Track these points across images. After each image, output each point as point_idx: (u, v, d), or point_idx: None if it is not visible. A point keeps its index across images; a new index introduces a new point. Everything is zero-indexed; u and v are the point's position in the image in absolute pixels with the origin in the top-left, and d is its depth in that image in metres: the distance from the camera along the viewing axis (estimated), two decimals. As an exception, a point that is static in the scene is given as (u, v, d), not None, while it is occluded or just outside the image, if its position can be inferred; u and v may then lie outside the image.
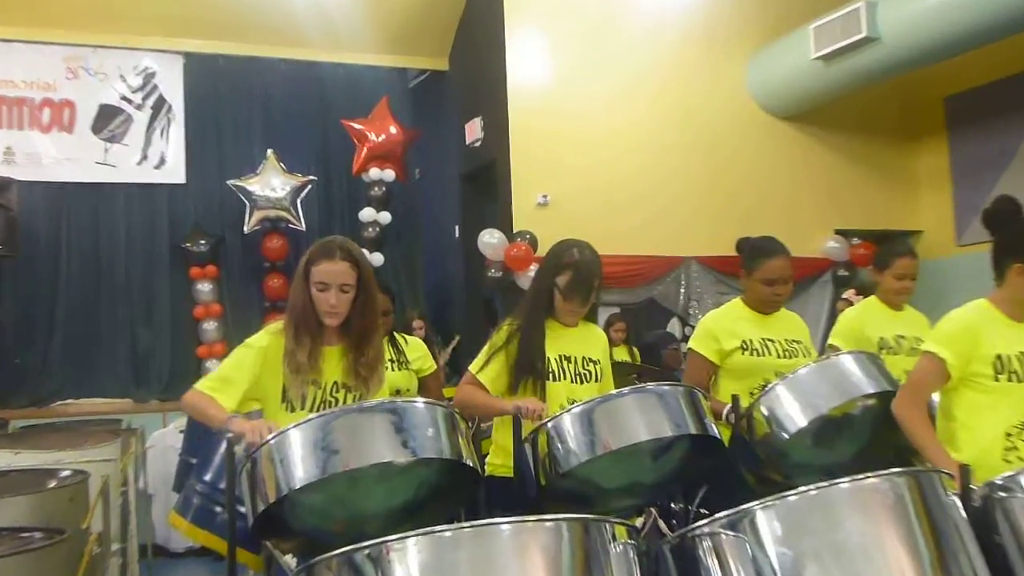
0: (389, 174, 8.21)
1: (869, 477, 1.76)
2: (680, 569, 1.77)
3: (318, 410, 2.61)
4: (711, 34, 8.45)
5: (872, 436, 2.92)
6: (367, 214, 8.13)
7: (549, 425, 2.58)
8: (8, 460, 3.75)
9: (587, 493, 2.63)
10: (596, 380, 3.01)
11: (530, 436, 2.62)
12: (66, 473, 3.39)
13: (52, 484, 3.28)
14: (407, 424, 2.31)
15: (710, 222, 8.12)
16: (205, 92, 8.20)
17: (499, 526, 1.59)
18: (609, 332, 6.20)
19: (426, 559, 1.55)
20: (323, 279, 2.62)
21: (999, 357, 2.61)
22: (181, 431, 5.49)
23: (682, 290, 8.18)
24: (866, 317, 3.78)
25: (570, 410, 2.58)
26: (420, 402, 2.43)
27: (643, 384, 2.88)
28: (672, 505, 2.88)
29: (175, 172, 8.05)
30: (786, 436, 2.82)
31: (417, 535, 1.56)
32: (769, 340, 3.23)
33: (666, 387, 2.71)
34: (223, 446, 2.57)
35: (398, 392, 3.90)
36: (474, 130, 8.43)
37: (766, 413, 2.88)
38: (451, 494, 2.48)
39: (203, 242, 7.93)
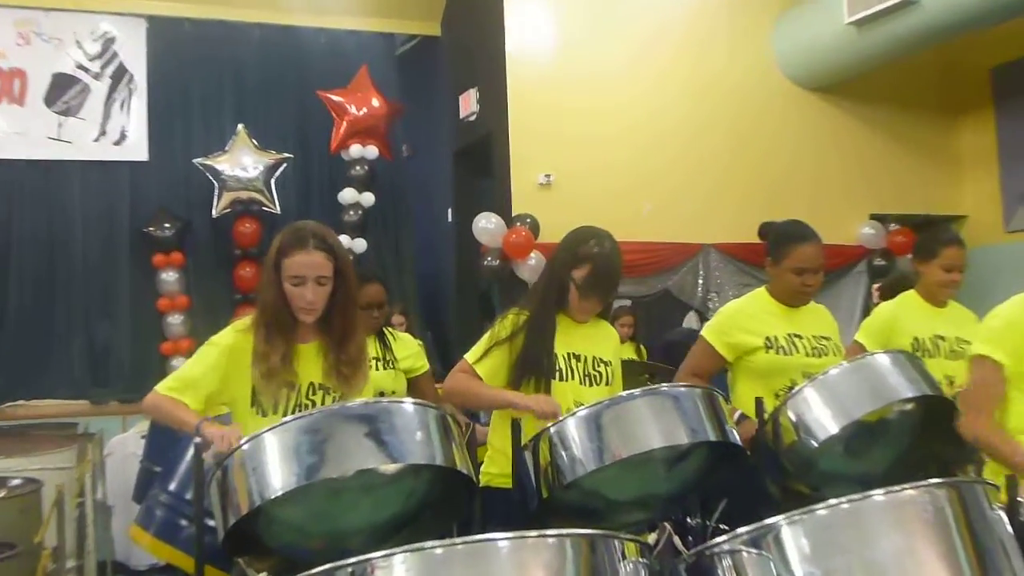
0: (372, 151, 8.21)
1: (906, 489, 1.76)
2: (697, 590, 1.77)
3: (294, 414, 2.60)
4: (732, -5, 8.45)
5: (910, 444, 2.92)
6: (348, 195, 8.14)
7: (552, 431, 2.58)
8: (-49, 468, 3.76)
9: (594, 506, 2.63)
10: (606, 383, 3.01)
11: (531, 443, 2.62)
12: (16, 482, 3.40)
13: (1, 494, 3.29)
14: (394, 427, 2.30)
15: (731, 205, 8.12)
16: (170, 60, 8.19)
17: (496, 543, 1.59)
18: (615, 327, 6.16)
19: (415, 579, 1.55)
20: (297, 272, 2.61)
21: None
22: (143, 436, 5.49)
23: (700, 281, 8.19)
24: (900, 313, 3.78)
25: (575, 414, 2.58)
26: (409, 403, 2.42)
27: (656, 385, 2.88)
28: (688, 520, 2.89)
29: (137, 149, 8.04)
30: (815, 444, 2.81)
31: (404, 552, 1.55)
32: (796, 336, 3.23)
33: (682, 388, 2.70)
34: (190, 452, 2.56)
35: (382, 395, 3.89)
36: (469, 102, 8.42)
37: (793, 418, 2.87)
38: (443, 506, 2.47)
39: (168, 226, 7.93)
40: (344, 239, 8.01)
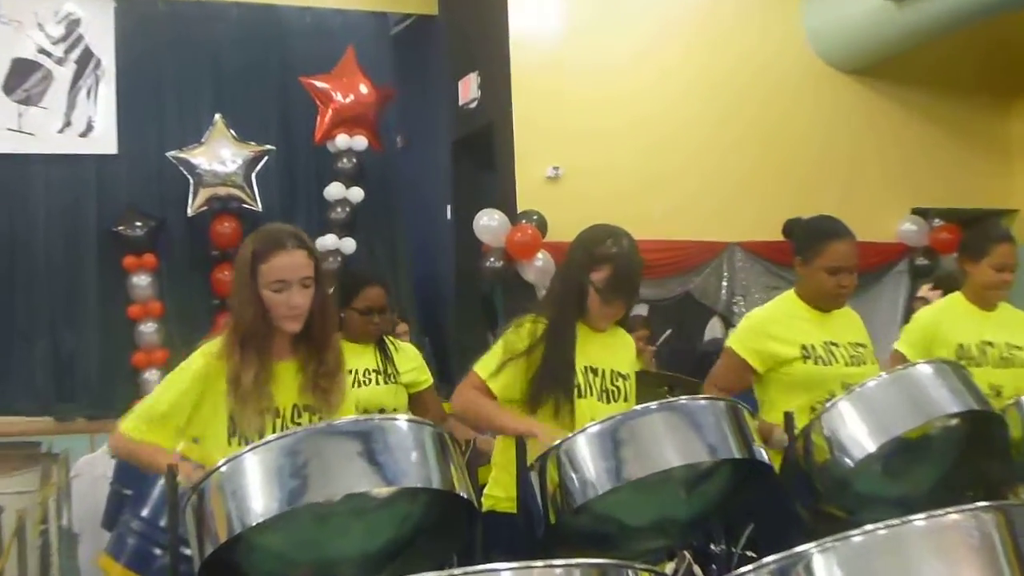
0: (360, 142, 8.21)
1: (950, 513, 1.75)
2: (719, 625, 1.78)
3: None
4: (759, -31, 8.46)
5: (954, 464, 2.92)
6: (334, 190, 8.15)
7: (560, 449, 2.58)
8: (-98, 492, 3.77)
9: (606, 532, 2.64)
10: (624, 399, 3.01)
11: (537, 462, 2.61)
12: (-27, 508, 3.40)
13: (-44, 521, 3.29)
14: (387, 447, 2.30)
15: (758, 199, 8.12)
16: (140, 44, 8.20)
17: (498, 573, 1.59)
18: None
19: (410, 613, 1.56)
20: (280, 276, 2.60)
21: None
22: (113, 456, 5.51)
23: (724, 283, 8.19)
24: (944, 318, 3.76)
25: (585, 430, 2.58)
26: (402, 420, 2.43)
27: (675, 398, 2.88)
28: (711, 547, 2.89)
29: (104, 141, 8.05)
30: (851, 463, 2.82)
31: (399, 584, 1.56)
32: (833, 344, 3.24)
33: (703, 401, 2.71)
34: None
35: (382, 411, 3.86)
36: (469, 88, 8.43)
37: (827, 435, 2.87)
38: (441, 533, 2.47)
39: (139, 226, 7.93)
40: (331, 238, 8.03)
